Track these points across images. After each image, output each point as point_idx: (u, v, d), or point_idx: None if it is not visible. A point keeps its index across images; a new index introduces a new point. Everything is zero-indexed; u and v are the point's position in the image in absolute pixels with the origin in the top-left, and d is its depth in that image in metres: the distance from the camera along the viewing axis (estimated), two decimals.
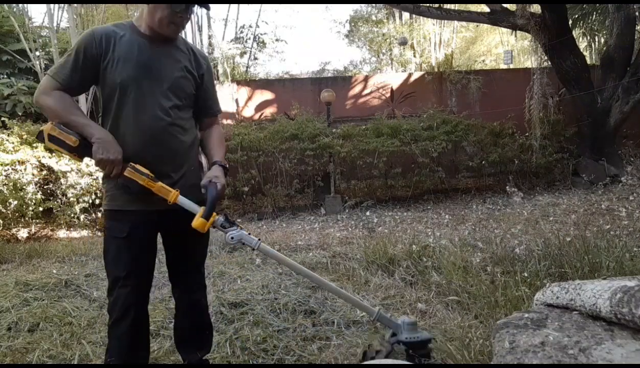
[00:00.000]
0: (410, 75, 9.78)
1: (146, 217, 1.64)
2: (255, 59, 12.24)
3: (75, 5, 7.68)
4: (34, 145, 6.00)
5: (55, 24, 7.89)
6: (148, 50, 1.63)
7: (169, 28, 1.63)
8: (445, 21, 11.57)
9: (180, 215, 1.62)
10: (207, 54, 2.04)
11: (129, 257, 1.63)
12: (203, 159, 1.90)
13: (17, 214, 5.80)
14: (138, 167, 1.56)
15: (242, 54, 11.20)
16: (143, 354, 1.73)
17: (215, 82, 1.93)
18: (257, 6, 12.17)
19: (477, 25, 12.75)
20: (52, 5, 7.72)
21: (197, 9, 2.13)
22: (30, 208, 5.74)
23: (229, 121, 8.57)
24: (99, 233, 5.99)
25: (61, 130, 1.54)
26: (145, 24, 1.64)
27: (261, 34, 12.17)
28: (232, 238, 1.61)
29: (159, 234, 1.76)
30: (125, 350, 1.64)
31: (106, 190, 1.67)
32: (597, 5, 8.39)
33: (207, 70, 1.80)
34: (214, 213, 1.59)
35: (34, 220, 5.98)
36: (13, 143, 5.93)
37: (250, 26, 11.90)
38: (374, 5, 14.26)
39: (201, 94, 1.78)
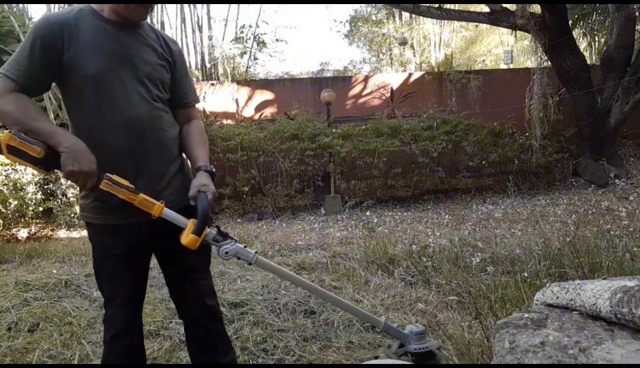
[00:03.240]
0: (410, 75, 9.78)
1: (145, 229, 1.45)
2: (255, 59, 12.25)
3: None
4: None
5: None
6: (117, 37, 1.44)
7: (137, 10, 1.44)
8: (445, 21, 11.57)
9: (180, 213, 1.48)
10: (175, 39, 1.93)
11: (128, 276, 1.50)
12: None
13: (17, 214, 5.81)
14: (115, 178, 1.37)
15: (242, 54, 11.20)
16: (140, 359, 1.65)
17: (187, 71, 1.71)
18: (257, 6, 12.16)
19: (477, 25, 12.76)
20: (52, 5, 7.73)
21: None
22: (30, 208, 5.74)
23: (229, 121, 8.58)
24: None
25: (22, 139, 1.31)
26: (108, 8, 1.44)
27: (261, 34, 12.17)
28: (226, 253, 1.45)
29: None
30: (123, 362, 1.54)
31: (92, 200, 1.46)
32: (597, 5, 8.39)
33: (178, 55, 1.61)
34: (206, 227, 1.42)
35: (34, 220, 5.99)
36: None
37: (250, 26, 11.89)
38: (374, 5, 14.27)
39: (174, 81, 1.59)
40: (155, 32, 1.58)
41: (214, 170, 1.53)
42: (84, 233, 6.02)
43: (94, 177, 1.35)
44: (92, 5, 1.46)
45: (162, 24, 11.21)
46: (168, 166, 1.54)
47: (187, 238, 1.38)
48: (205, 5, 11.45)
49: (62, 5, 7.93)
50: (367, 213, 6.37)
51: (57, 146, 1.32)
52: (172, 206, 1.46)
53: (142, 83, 1.46)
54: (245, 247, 1.48)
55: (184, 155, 1.66)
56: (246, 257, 1.48)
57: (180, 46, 1.67)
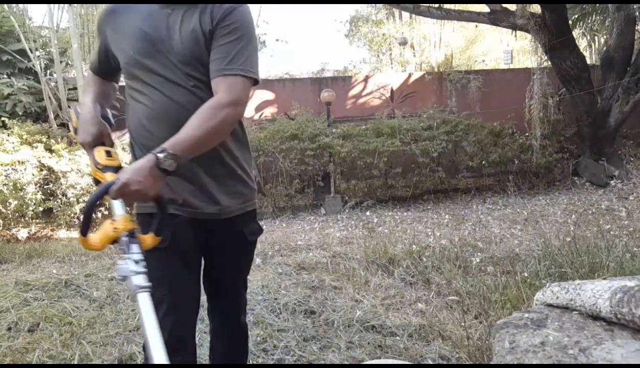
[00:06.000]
0: (410, 75, 9.78)
1: (193, 224, 1.31)
2: None
3: (75, 5, 7.68)
4: (34, 145, 6.00)
5: (55, 24, 7.89)
6: (156, 18, 1.28)
7: None
8: (445, 21, 11.57)
9: (232, 221, 1.35)
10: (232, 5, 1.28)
11: (172, 274, 1.30)
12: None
13: (17, 214, 5.80)
14: (97, 152, 1.27)
15: None
16: None
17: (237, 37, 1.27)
18: (257, 6, 12.17)
19: (477, 25, 12.76)
20: (52, 5, 7.72)
21: None
22: (30, 208, 5.74)
23: None
24: None
25: (75, 112, 1.42)
26: None
27: (261, 34, 12.18)
28: (118, 270, 1.11)
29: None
30: None
31: None
32: (597, 5, 8.39)
33: (222, 17, 1.25)
34: (114, 226, 1.11)
35: (34, 220, 5.99)
36: (13, 143, 5.93)
37: None
38: (374, 5, 14.27)
39: (213, 50, 1.27)
40: None
41: (161, 155, 1.12)
42: None
43: (86, 148, 1.33)
44: None
45: None
46: (211, 165, 1.32)
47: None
48: None
49: (62, 5, 7.92)
50: (367, 213, 6.37)
51: None
52: (196, 215, 1.29)
53: (174, 69, 1.28)
54: (136, 273, 1.08)
55: (240, 156, 1.40)
56: (130, 285, 1.08)
57: (233, 8, 1.27)
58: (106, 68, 1.44)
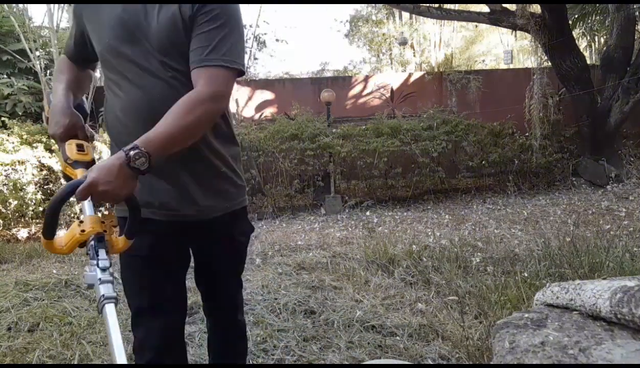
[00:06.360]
0: (410, 75, 9.78)
1: (173, 228, 1.25)
2: (256, 59, 12.25)
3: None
4: (34, 145, 6.00)
5: (55, 24, 7.89)
6: (134, 5, 1.18)
7: None
8: (445, 21, 11.57)
9: (219, 221, 1.29)
10: None
11: (153, 282, 1.25)
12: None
13: (17, 214, 5.80)
14: (67, 146, 1.19)
15: None
16: None
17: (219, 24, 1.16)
18: (257, 6, 12.17)
19: (477, 25, 12.76)
20: (52, 5, 7.72)
21: None
22: (30, 208, 5.74)
23: None
24: None
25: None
26: None
27: (261, 34, 12.18)
28: (84, 277, 1.04)
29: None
30: None
31: None
32: (597, 5, 8.40)
33: (201, 5, 1.15)
34: (81, 228, 1.05)
35: (34, 220, 5.98)
36: (13, 143, 5.93)
37: (251, 26, 11.90)
38: (374, 5, 14.28)
39: (193, 38, 1.16)
40: None
41: (132, 153, 1.02)
42: None
43: (58, 141, 1.23)
44: None
45: None
46: (193, 162, 1.23)
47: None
48: None
49: (62, 5, 7.93)
50: (367, 213, 6.37)
51: None
52: (174, 218, 1.23)
53: (150, 54, 1.17)
54: (103, 282, 0.99)
55: (225, 152, 1.32)
56: (97, 293, 1.00)
57: None
58: (82, 53, 1.34)
